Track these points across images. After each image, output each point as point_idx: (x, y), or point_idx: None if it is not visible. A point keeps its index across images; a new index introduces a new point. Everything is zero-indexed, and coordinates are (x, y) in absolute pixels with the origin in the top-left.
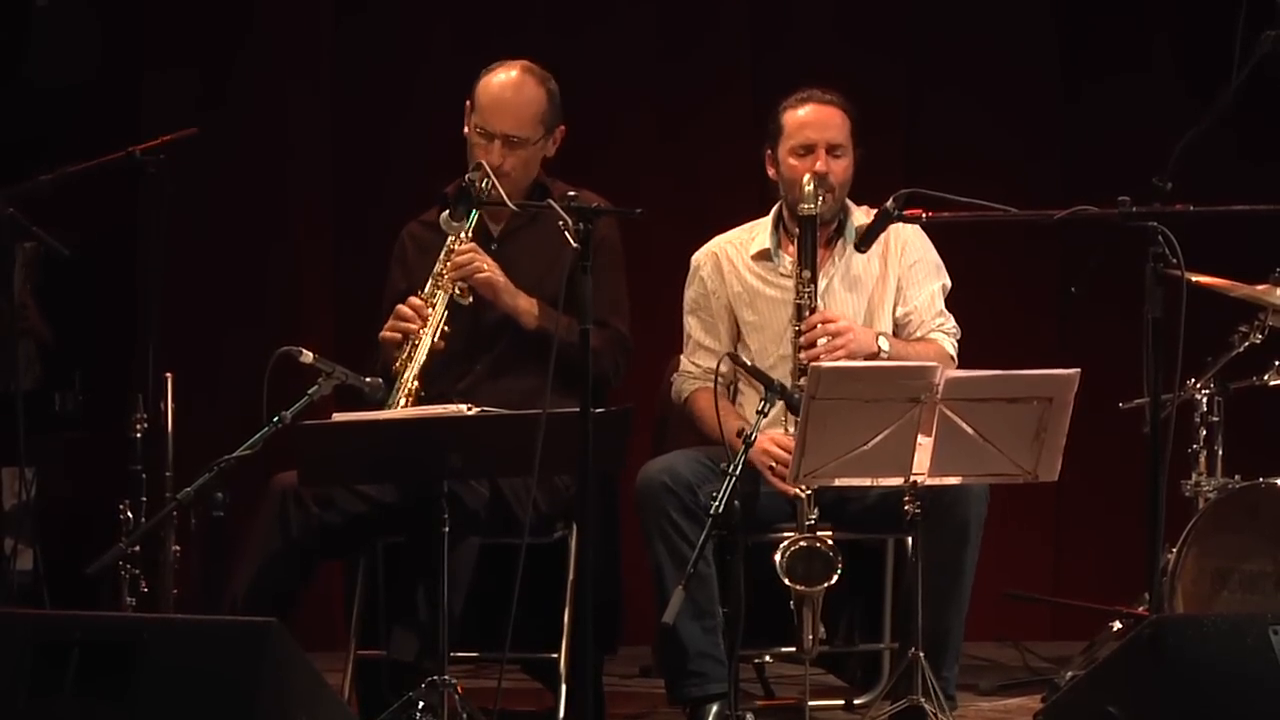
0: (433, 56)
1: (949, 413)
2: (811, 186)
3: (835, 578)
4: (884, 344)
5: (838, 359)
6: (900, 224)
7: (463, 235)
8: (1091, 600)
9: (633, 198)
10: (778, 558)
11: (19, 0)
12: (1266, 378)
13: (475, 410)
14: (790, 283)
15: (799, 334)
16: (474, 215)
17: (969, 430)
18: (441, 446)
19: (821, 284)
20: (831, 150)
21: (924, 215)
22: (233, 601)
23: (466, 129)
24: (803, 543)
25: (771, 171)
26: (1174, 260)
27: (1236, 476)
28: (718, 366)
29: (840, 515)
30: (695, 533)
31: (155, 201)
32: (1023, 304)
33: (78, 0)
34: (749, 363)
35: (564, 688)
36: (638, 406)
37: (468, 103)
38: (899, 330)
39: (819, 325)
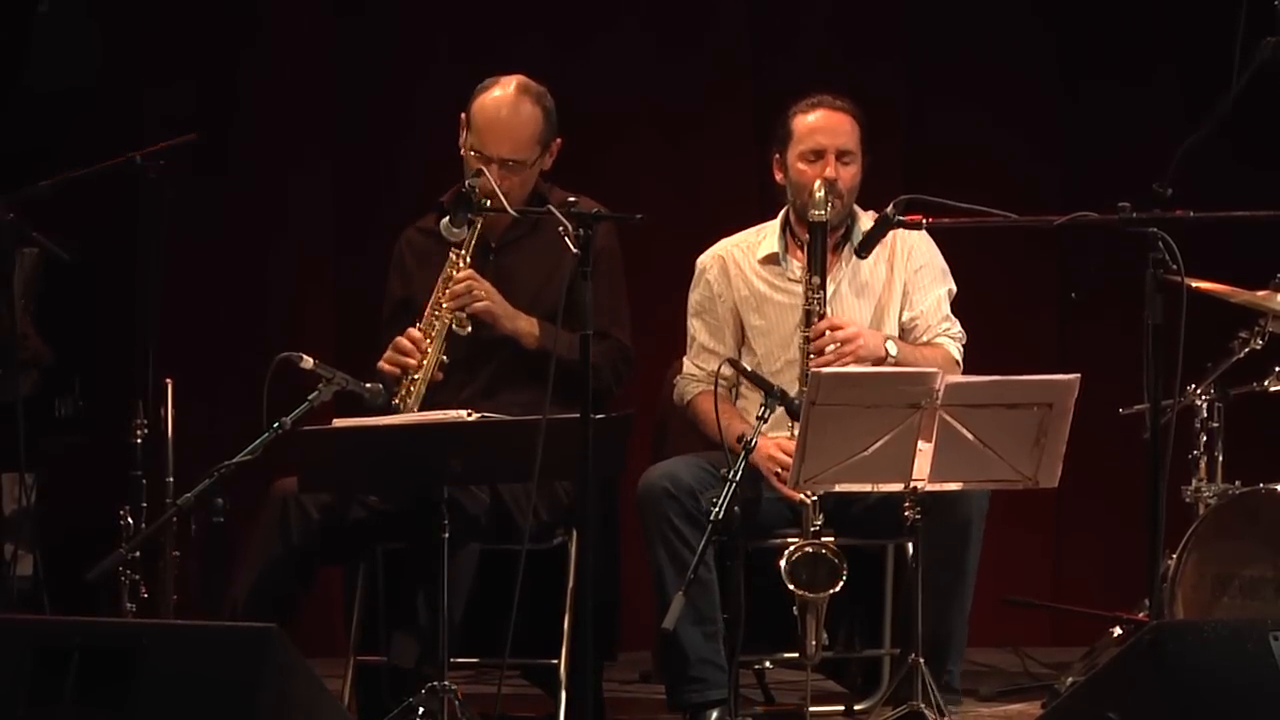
0: (433, 64)
1: (949, 418)
2: (823, 193)
3: (840, 584)
4: (892, 349)
5: (847, 365)
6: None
7: (461, 260)
8: (1092, 606)
9: (633, 205)
10: (782, 563)
11: (19, 6)
12: (1267, 383)
13: (476, 416)
14: (798, 288)
15: (808, 340)
16: (476, 227)
17: (969, 436)
18: (442, 452)
19: (829, 289)
20: (841, 156)
21: (924, 221)
22: (233, 607)
23: (462, 145)
24: (808, 548)
25: (779, 176)
26: (1174, 266)
27: (1237, 482)
28: (718, 370)
29: (842, 519)
30: (696, 538)
31: (155, 207)
32: (1023, 309)
33: (78, 6)
34: (749, 368)
35: (564, 694)
36: (638, 412)
37: (463, 117)
38: (904, 335)
39: (827, 332)
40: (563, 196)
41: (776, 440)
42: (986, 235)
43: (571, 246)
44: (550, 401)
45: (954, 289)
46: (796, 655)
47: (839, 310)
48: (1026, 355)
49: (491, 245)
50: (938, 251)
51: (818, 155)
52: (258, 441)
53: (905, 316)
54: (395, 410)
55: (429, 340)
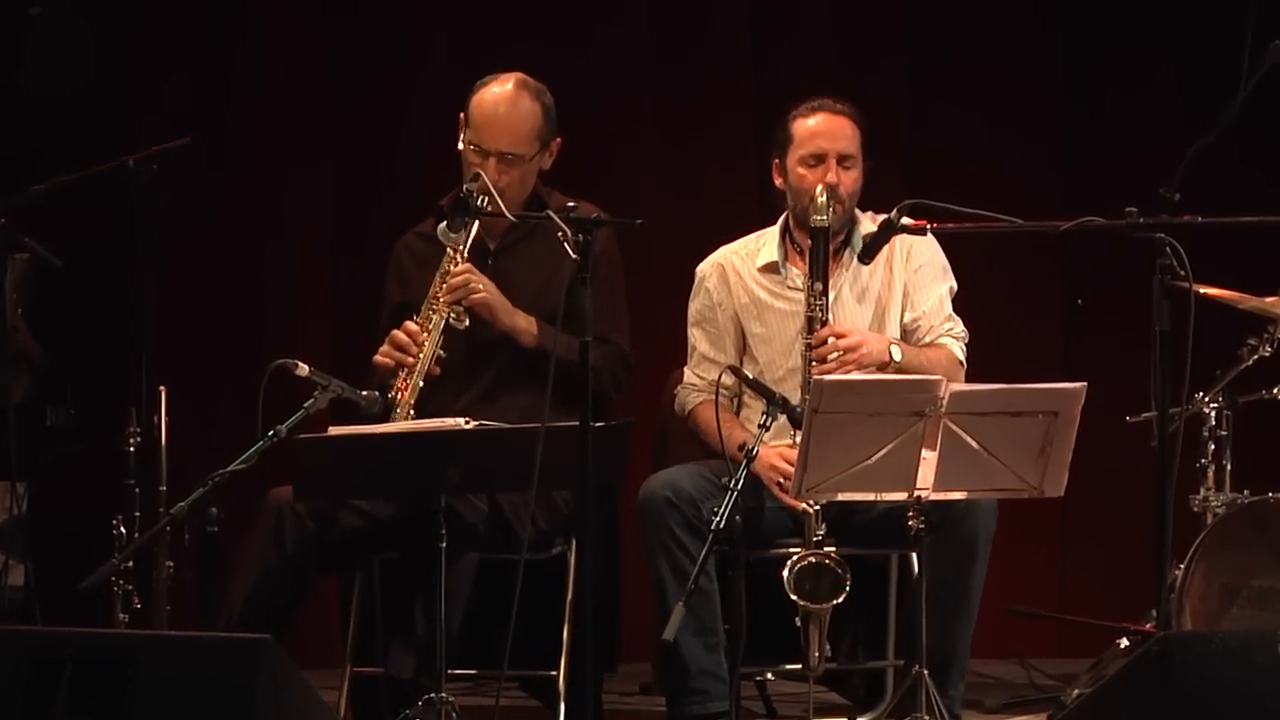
0: (430, 66)
1: (953, 427)
2: (824, 198)
3: (843, 595)
4: (896, 354)
5: (850, 372)
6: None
7: (458, 256)
8: (1098, 617)
9: (632, 208)
10: (785, 574)
11: (11, 9)
12: (1276, 391)
13: (473, 424)
14: (799, 295)
15: (810, 347)
16: (473, 228)
17: (974, 445)
18: (439, 461)
19: (831, 295)
20: (842, 161)
21: (928, 226)
22: (227, 618)
23: (460, 144)
24: (811, 559)
25: (779, 181)
26: (1182, 272)
27: (1245, 491)
28: (719, 379)
29: (845, 530)
30: (697, 548)
31: (149, 211)
32: (1028, 316)
33: (70, 9)
34: (751, 376)
35: (563, 705)
36: (638, 420)
37: (461, 116)
38: (907, 336)
39: (830, 339)
40: (562, 201)
41: (778, 449)
42: (991, 241)
43: (570, 252)
44: (549, 407)
45: (955, 286)
46: (799, 667)
47: (841, 316)
48: (1032, 363)
49: (490, 249)
50: (938, 248)
51: (818, 160)
52: (252, 450)
53: (907, 318)
54: (391, 405)
55: (426, 334)
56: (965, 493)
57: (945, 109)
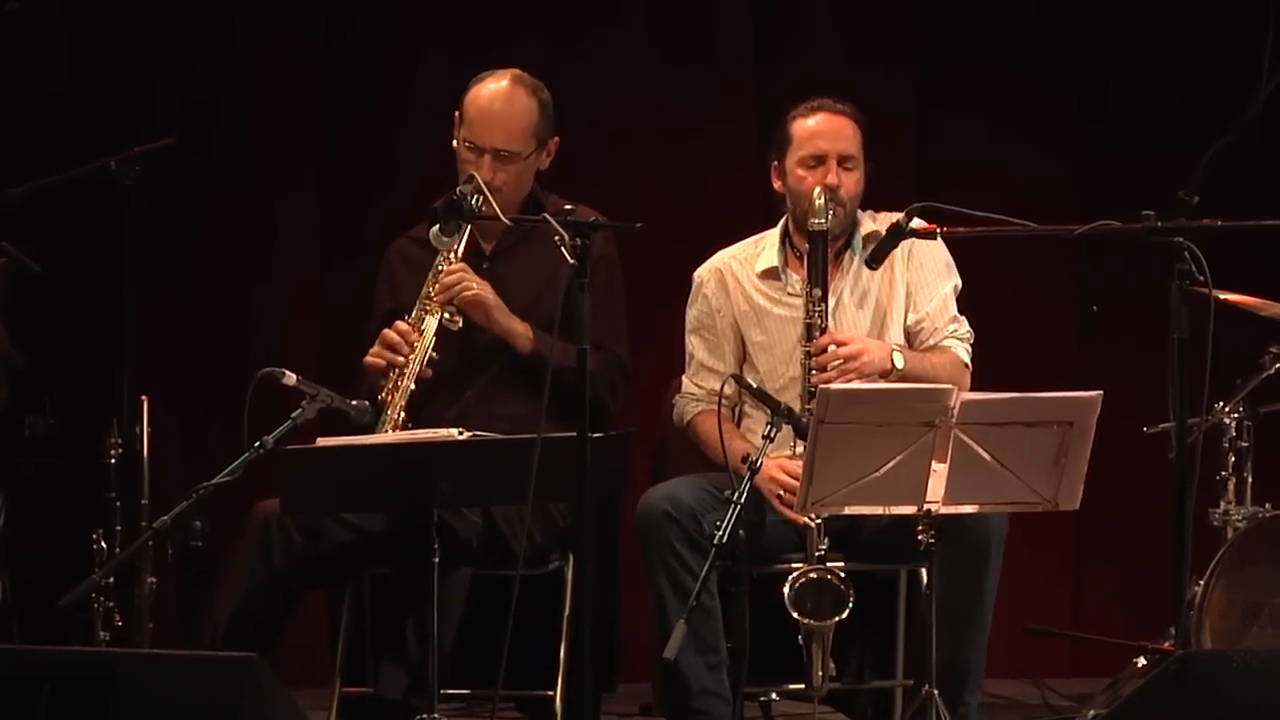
0: (425, 67)
1: (964, 437)
2: (822, 200)
3: (847, 612)
4: (898, 360)
5: (851, 381)
6: None
7: (452, 256)
8: (1114, 635)
9: (633, 214)
10: (786, 590)
11: None
12: None
13: (467, 434)
14: (799, 301)
15: (809, 355)
16: (466, 231)
17: (985, 456)
18: (432, 472)
19: (830, 301)
20: (843, 162)
21: (938, 230)
22: (212, 635)
23: (455, 142)
24: (812, 574)
25: (778, 184)
26: (1201, 278)
27: (1267, 505)
28: (721, 388)
29: (851, 544)
30: (699, 563)
31: (132, 214)
32: (1041, 323)
33: (50, 6)
34: (754, 384)
35: None
36: (638, 430)
37: (456, 114)
38: (911, 338)
39: (830, 347)
40: (559, 204)
41: (778, 460)
42: (1003, 246)
43: (568, 257)
44: (545, 416)
45: (959, 284)
46: (803, 686)
47: (841, 322)
48: (1045, 371)
49: (484, 253)
50: (942, 245)
51: (818, 161)
52: (238, 461)
53: (910, 319)
54: (381, 407)
55: (417, 334)
56: (977, 506)
57: (955, 113)
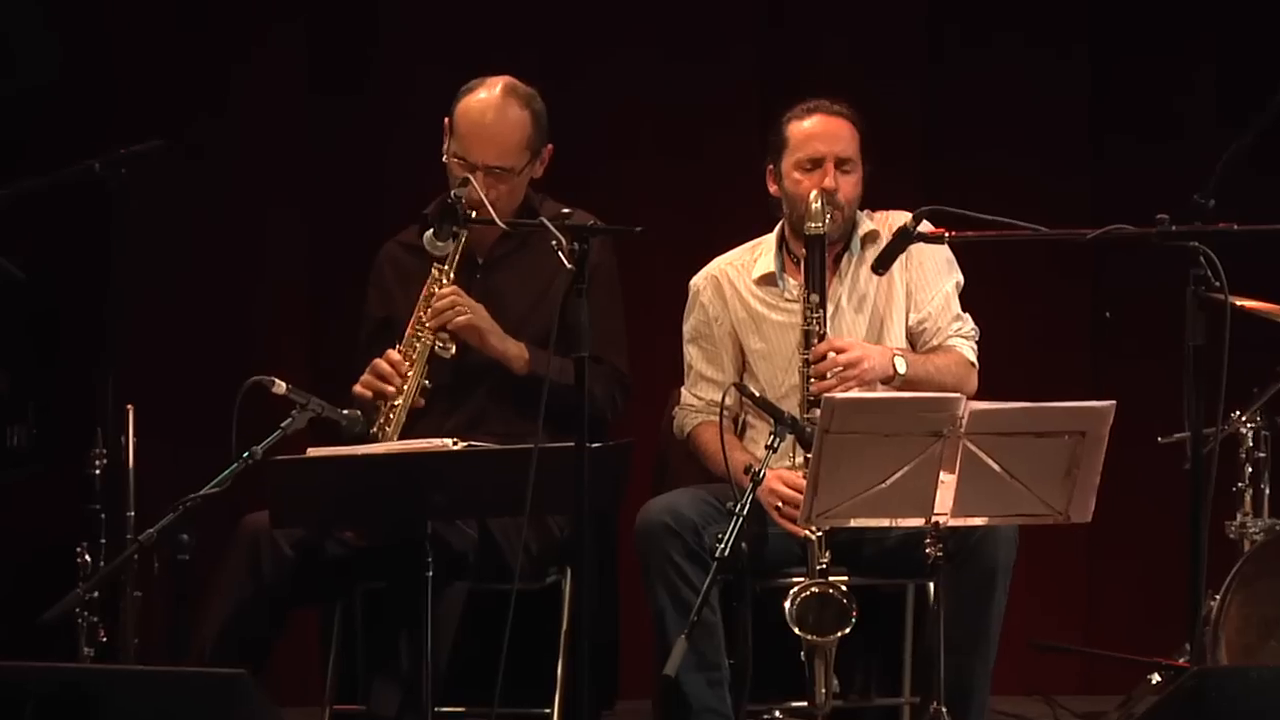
0: (419, 74)
1: (974, 448)
2: (819, 204)
3: (850, 627)
4: (900, 365)
5: (851, 389)
6: (900, 223)
7: (444, 278)
8: (1127, 651)
9: (634, 224)
10: (787, 605)
11: None
12: None
13: (462, 445)
14: (798, 307)
15: (808, 363)
16: (462, 238)
17: (995, 467)
18: (425, 484)
19: (829, 306)
20: (840, 165)
21: (946, 234)
22: (200, 652)
23: (445, 154)
24: (814, 589)
25: (774, 188)
26: (1217, 283)
27: None
28: (723, 399)
29: (856, 558)
30: (699, 577)
31: (118, 217)
32: (1053, 331)
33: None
34: (757, 394)
35: None
36: (638, 441)
37: (446, 122)
38: (914, 339)
39: (829, 354)
40: (555, 208)
41: (777, 472)
42: (1013, 251)
43: (565, 262)
44: (542, 431)
45: (961, 280)
46: (807, 704)
47: (839, 328)
48: (1057, 380)
49: (478, 261)
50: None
51: (815, 164)
52: (226, 473)
53: (913, 319)
54: (373, 439)
55: (409, 363)
56: (986, 519)
57: (966, 120)
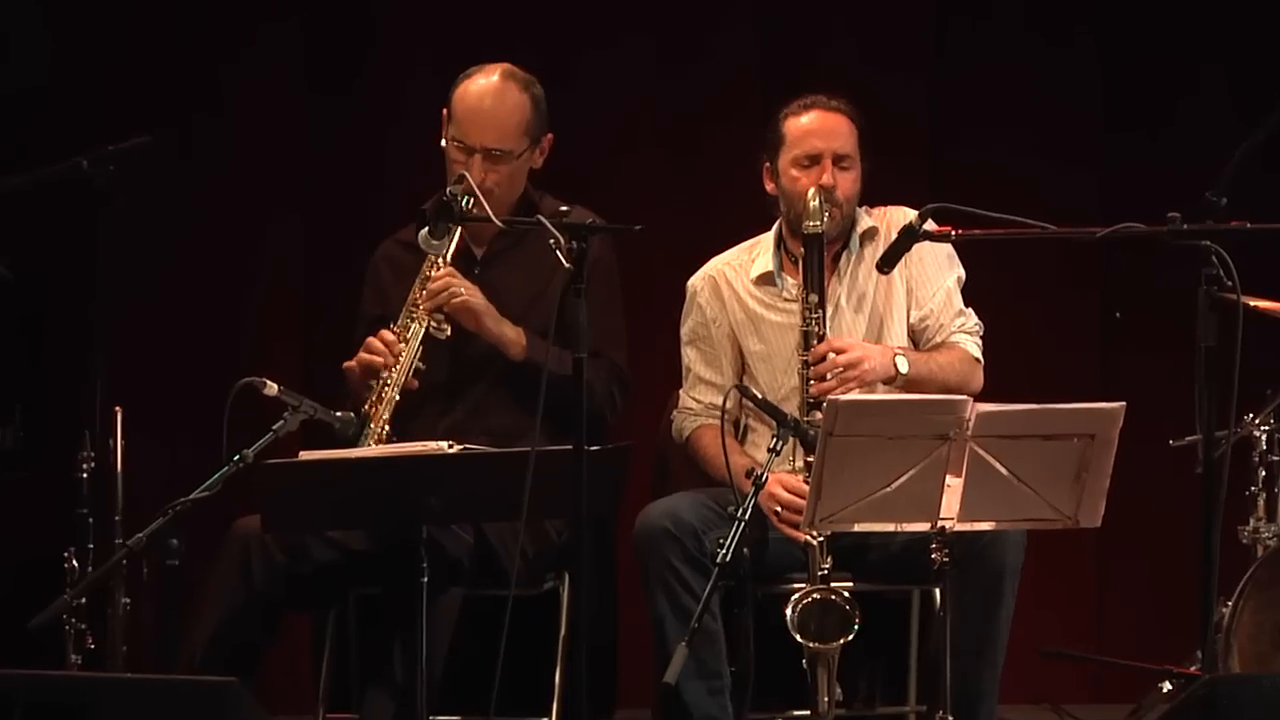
0: (416, 73)
1: (981, 451)
2: (817, 202)
3: (852, 634)
4: (902, 365)
5: (851, 390)
6: (901, 221)
7: (440, 260)
8: (1137, 659)
9: (633, 221)
10: (789, 611)
11: None
12: None
13: (457, 448)
14: (797, 307)
15: (807, 364)
16: (455, 234)
17: (1003, 471)
18: (420, 488)
19: (828, 306)
20: (839, 161)
21: (953, 233)
22: (189, 659)
23: (444, 141)
24: (816, 595)
25: (770, 186)
26: (1229, 283)
27: None
28: (724, 401)
29: (859, 564)
30: (700, 583)
31: (106, 217)
32: (1061, 332)
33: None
34: (759, 395)
35: None
36: (637, 444)
37: (445, 112)
38: (916, 337)
39: (829, 355)
40: (555, 205)
41: (777, 475)
42: (1021, 250)
43: (564, 261)
44: (540, 429)
45: (963, 275)
46: (809, 713)
47: (838, 327)
48: (1066, 381)
49: (476, 257)
50: None
51: (812, 160)
52: (216, 476)
53: (914, 317)
54: (364, 419)
55: (403, 343)
56: (993, 523)
57: (973, 120)
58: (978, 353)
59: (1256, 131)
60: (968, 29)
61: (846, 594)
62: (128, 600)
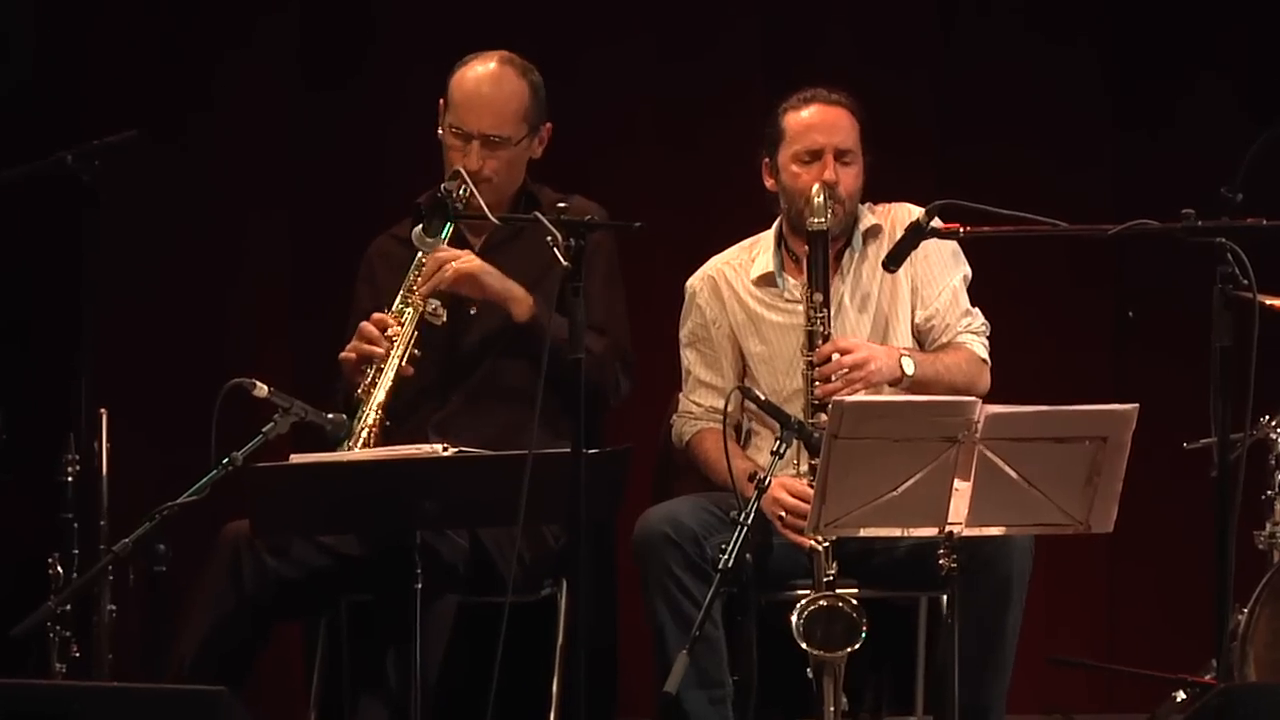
0: (414, 74)
1: (990, 454)
2: (821, 198)
3: (860, 642)
4: (908, 366)
5: (857, 392)
6: (905, 219)
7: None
8: (1150, 667)
9: (632, 219)
10: (794, 619)
11: None
12: None
13: (452, 450)
14: (799, 308)
15: (811, 365)
16: (448, 229)
17: (1012, 474)
18: (414, 492)
19: (832, 306)
20: (840, 156)
21: (960, 230)
22: (177, 667)
23: (440, 130)
24: (822, 602)
25: (770, 182)
26: (1245, 281)
27: None
28: (725, 404)
29: (865, 570)
30: (701, 590)
31: (92, 214)
32: (1073, 331)
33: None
34: (761, 397)
35: None
36: (637, 446)
37: (441, 101)
38: (922, 337)
39: (834, 356)
40: (553, 197)
41: (780, 479)
42: (1031, 248)
43: (561, 259)
44: (540, 414)
45: (969, 273)
46: None
47: (842, 327)
48: (1078, 382)
49: (474, 248)
50: None
51: (814, 156)
52: (205, 479)
53: (920, 317)
54: (356, 405)
55: (397, 326)
56: (1003, 528)
57: (980, 118)
58: (985, 354)
59: (1272, 128)
60: (974, 23)
61: (853, 601)
62: (113, 607)
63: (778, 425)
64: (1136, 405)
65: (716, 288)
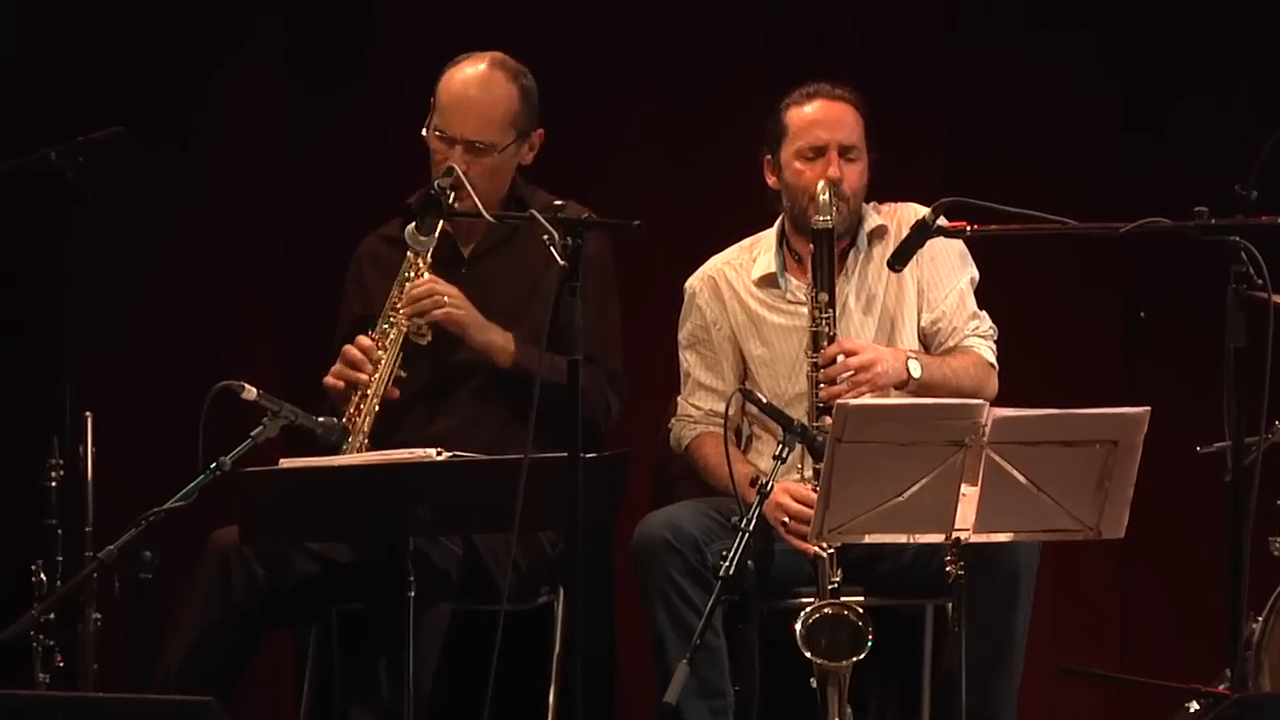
0: (410, 74)
1: (998, 458)
2: (826, 195)
3: (866, 651)
4: (915, 369)
5: (863, 395)
6: (911, 219)
7: (421, 261)
8: (1163, 677)
9: (631, 219)
10: (797, 627)
11: None
12: None
13: (446, 455)
14: (803, 309)
15: (816, 367)
16: (438, 228)
17: (1021, 479)
18: (407, 497)
19: (838, 307)
20: (844, 153)
21: (968, 228)
22: (164, 677)
23: (424, 131)
24: (826, 610)
25: (772, 180)
26: (1259, 280)
27: None
28: (726, 407)
29: (870, 577)
30: (701, 597)
31: (76, 212)
32: (1083, 333)
33: None
34: (764, 399)
35: None
36: (636, 450)
37: (431, 102)
38: (928, 340)
39: (840, 357)
40: (547, 200)
41: (783, 484)
42: (1040, 247)
43: (558, 258)
44: (532, 437)
45: (976, 276)
46: None
47: (847, 329)
48: (1088, 384)
49: (463, 255)
50: None
51: (818, 152)
52: (192, 485)
53: (926, 320)
54: (344, 431)
55: (382, 350)
56: (1011, 534)
57: (989, 118)
58: (992, 358)
59: None
60: (979, 20)
61: (859, 609)
62: (98, 615)
63: (779, 429)
64: (1148, 408)
65: (717, 288)
